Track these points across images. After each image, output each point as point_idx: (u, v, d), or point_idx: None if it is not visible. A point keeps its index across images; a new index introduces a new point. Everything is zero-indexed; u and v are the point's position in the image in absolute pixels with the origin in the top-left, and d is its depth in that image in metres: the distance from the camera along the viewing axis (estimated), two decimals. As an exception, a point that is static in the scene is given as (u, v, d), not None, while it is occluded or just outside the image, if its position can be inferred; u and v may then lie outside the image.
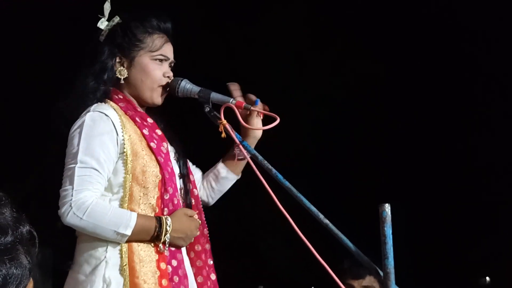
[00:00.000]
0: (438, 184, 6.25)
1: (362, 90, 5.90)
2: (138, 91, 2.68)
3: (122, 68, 2.67)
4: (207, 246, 2.75)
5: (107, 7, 2.71)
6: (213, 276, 2.74)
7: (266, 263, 8.18)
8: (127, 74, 2.67)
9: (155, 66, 2.68)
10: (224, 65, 5.41)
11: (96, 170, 2.49)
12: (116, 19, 2.71)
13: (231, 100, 2.62)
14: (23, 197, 2.53)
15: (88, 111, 2.56)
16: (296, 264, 7.33)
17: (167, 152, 2.67)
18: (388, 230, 2.24)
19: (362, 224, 3.65)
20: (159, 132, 2.69)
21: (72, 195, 2.44)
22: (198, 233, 2.66)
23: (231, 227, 7.11)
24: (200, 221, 2.68)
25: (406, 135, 6.13)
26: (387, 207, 2.24)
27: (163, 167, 2.59)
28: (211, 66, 5.00)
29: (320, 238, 2.43)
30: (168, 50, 2.72)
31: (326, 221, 2.36)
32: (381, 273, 2.28)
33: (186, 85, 2.69)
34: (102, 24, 2.70)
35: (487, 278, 8.43)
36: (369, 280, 3.44)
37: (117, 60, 2.67)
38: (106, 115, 2.56)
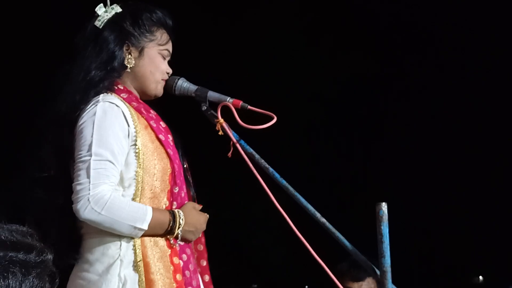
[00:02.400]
0: (434, 183, 6.26)
1: (358, 87, 5.89)
2: (143, 82, 2.63)
3: (130, 56, 2.60)
4: (201, 247, 2.70)
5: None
6: (206, 278, 2.71)
7: (260, 262, 8.17)
8: (134, 64, 2.61)
9: (160, 59, 2.65)
10: (215, 62, 5.40)
11: (111, 162, 2.43)
12: (116, 7, 2.65)
13: (228, 99, 2.61)
14: (20, 194, 2.52)
15: (98, 101, 2.48)
16: (290, 263, 7.33)
17: (174, 145, 2.62)
18: (385, 229, 2.25)
19: (359, 223, 3.66)
20: (163, 124, 2.63)
21: (89, 189, 2.37)
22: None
23: (226, 226, 7.10)
24: (208, 216, 2.63)
25: (403, 133, 6.13)
26: (384, 206, 2.25)
27: (173, 159, 2.55)
28: (202, 63, 4.98)
29: (317, 237, 2.43)
30: (171, 47, 2.70)
31: (323, 220, 2.37)
32: (378, 272, 2.29)
33: (183, 83, 2.67)
34: (100, 9, 2.64)
35: (480, 277, 8.45)
36: (368, 282, 3.42)
37: (126, 48, 2.60)
38: (117, 105, 2.49)
